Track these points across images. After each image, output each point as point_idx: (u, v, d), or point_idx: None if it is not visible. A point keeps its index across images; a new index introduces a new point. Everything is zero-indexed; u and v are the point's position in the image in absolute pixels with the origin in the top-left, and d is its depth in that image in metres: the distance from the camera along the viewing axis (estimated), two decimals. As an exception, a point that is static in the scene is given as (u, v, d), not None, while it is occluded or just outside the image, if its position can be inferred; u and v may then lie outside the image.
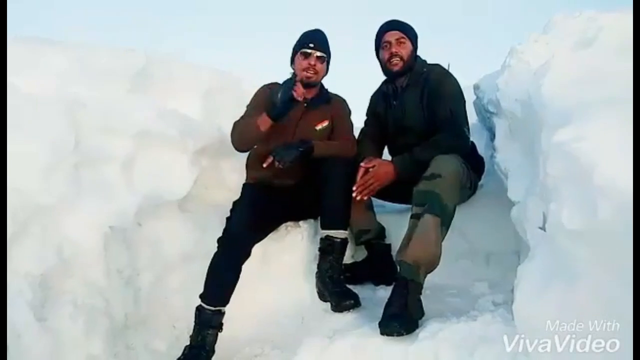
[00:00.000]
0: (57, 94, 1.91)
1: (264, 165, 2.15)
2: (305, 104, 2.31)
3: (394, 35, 2.29)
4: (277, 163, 2.11)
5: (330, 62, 2.38)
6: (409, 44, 2.30)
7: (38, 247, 1.66)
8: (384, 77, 2.46)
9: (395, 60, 2.28)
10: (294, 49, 2.34)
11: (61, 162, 1.76)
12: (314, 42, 2.28)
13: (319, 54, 2.27)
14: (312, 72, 2.26)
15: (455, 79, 2.29)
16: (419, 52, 2.38)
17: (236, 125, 2.23)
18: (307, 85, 2.28)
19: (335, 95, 2.47)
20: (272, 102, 2.11)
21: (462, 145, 2.16)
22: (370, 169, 2.11)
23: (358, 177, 2.11)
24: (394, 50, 2.28)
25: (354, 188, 2.10)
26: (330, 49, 2.35)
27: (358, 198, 2.11)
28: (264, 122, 2.11)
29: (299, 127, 2.30)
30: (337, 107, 2.42)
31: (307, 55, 2.27)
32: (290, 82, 2.11)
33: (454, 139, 2.12)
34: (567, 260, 1.21)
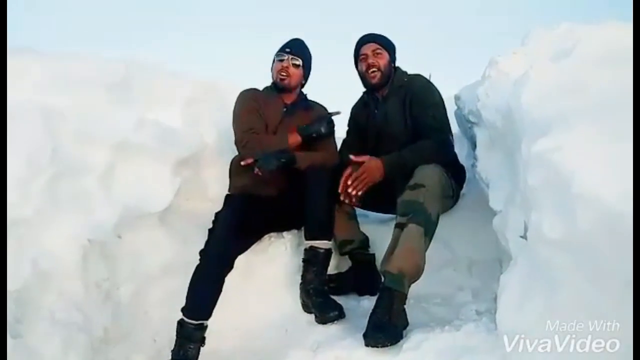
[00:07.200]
0: (34, 103, 1.87)
1: (242, 164, 2.19)
2: (284, 109, 2.35)
3: (370, 47, 2.34)
4: (256, 169, 2.12)
5: (311, 71, 2.45)
6: (385, 55, 2.34)
7: (13, 261, 1.60)
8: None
9: (373, 72, 2.32)
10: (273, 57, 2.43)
11: (38, 173, 1.72)
12: (290, 48, 2.39)
13: (293, 58, 2.37)
14: (284, 73, 2.35)
15: (437, 89, 2.32)
16: (400, 64, 2.40)
17: (259, 141, 2.25)
18: (282, 89, 2.37)
19: (316, 103, 2.49)
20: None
21: (447, 152, 2.20)
22: (360, 165, 2.03)
23: (344, 176, 2.06)
24: (370, 61, 2.32)
25: (342, 182, 2.03)
26: (312, 58, 2.43)
27: (353, 192, 2.03)
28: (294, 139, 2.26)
29: (278, 133, 2.31)
30: (317, 114, 2.42)
31: (282, 60, 2.37)
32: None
33: (440, 145, 2.14)
34: (548, 269, 1.23)
